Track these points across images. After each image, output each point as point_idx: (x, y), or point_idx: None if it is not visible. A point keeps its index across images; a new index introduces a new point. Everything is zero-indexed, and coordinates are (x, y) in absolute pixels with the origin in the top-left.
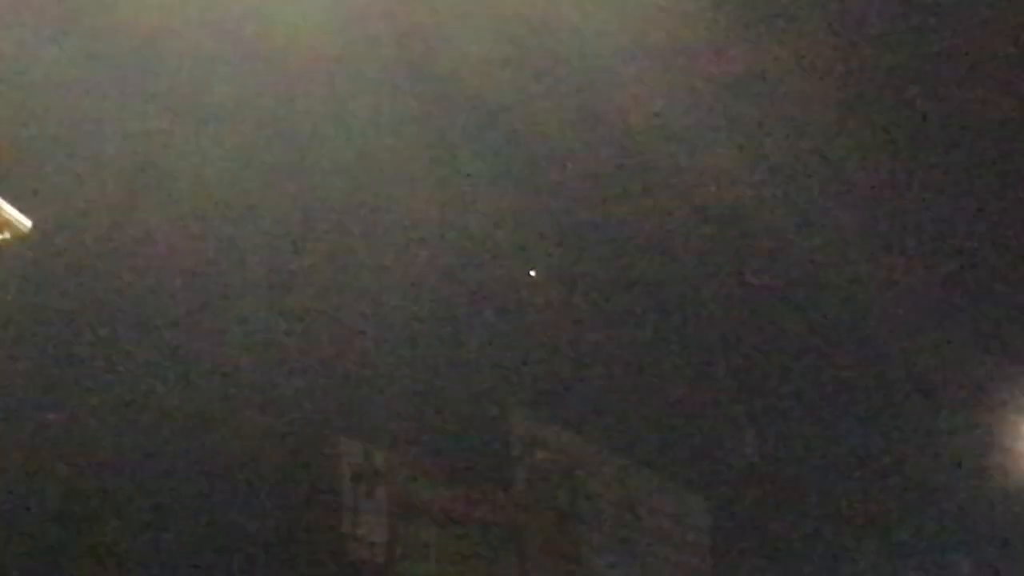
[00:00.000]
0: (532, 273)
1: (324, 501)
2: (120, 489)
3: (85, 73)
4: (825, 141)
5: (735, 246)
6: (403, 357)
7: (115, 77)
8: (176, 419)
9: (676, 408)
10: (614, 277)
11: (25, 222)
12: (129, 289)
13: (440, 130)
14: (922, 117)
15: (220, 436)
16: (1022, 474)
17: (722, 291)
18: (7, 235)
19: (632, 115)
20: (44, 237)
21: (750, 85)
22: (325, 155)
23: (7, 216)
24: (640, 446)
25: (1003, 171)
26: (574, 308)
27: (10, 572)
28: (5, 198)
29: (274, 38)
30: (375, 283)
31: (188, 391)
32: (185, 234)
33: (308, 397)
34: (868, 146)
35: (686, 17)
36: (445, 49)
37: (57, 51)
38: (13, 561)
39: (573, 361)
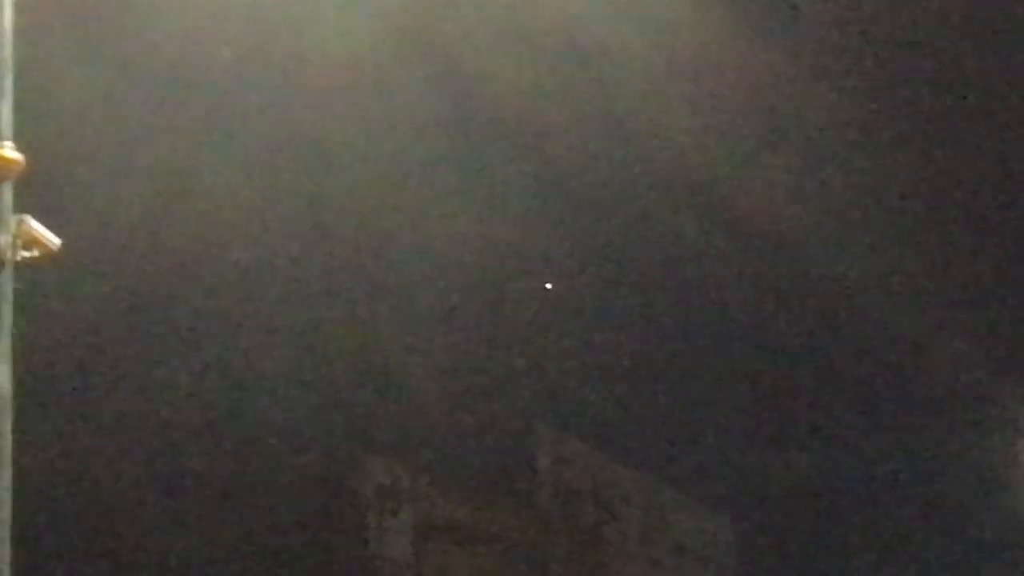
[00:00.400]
0: (548, 286)
1: (348, 519)
2: (144, 506)
3: (115, 90)
4: (867, 166)
5: (769, 269)
6: (428, 375)
7: (145, 94)
8: (202, 436)
9: (702, 427)
10: (643, 295)
11: (54, 240)
12: (157, 307)
13: (468, 144)
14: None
15: (245, 453)
16: None
17: (752, 312)
18: (36, 253)
19: (663, 130)
20: (73, 255)
21: (790, 107)
22: (353, 173)
23: (36, 234)
24: (666, 465)
25: None
26: (601, 325)
27: None
28: (34, 216)
29: (304, 55)
30: (400, 300)
31: (214, 408)
32: (213, 251)
33: (333, 415)
34: (910, 175)
35: (719, 34)
36: (473, 64)
37: (86, 68)
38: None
39: (599, 379)
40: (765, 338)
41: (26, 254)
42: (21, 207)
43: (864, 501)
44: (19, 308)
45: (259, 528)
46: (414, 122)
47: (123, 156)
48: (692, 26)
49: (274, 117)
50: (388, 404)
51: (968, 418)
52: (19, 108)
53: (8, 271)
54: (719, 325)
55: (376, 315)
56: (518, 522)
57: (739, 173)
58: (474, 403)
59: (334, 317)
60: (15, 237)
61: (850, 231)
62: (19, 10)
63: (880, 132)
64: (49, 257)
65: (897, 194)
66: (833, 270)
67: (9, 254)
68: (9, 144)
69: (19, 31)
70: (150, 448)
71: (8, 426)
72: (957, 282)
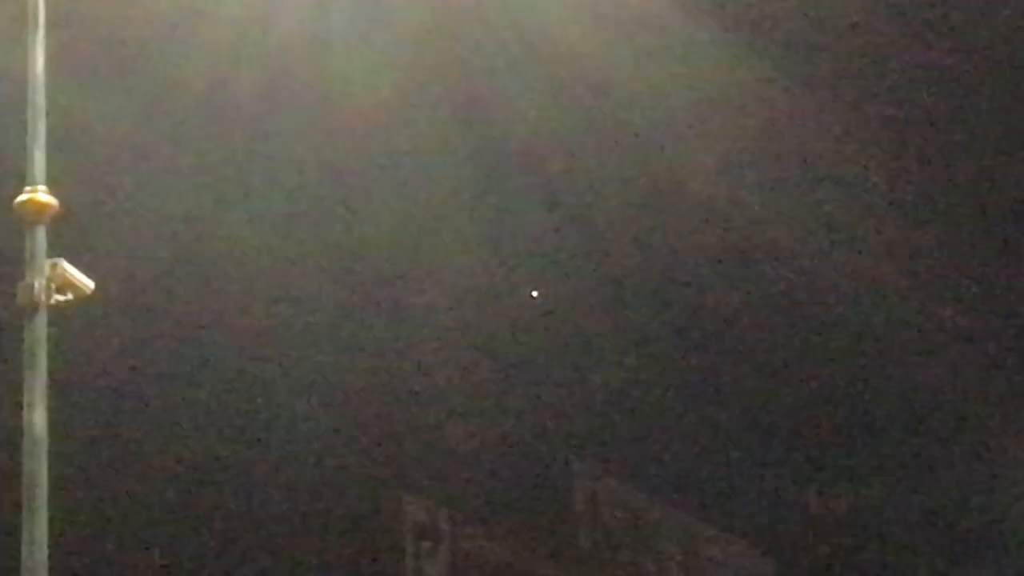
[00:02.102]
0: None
1: (386, 557)
2: (179, 544)
3: (147, 133)
4: (887, 195)
5: (807, 308)
6: (464, 413)
7: (177, 137)
8: (238, 475)
9: (741, 463)
10: (680, 334)
11: (88, 283)
12: (192, 348)
13: (494, 180)
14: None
15: (282, 492)
16: None
17: (785, 346)
18: (70, 296)
19: (691, 175)
20: (107, 298)
21: (815, 145)
22: (382, 210)
23: (70, 277)
24: (704, 502)
25: None
26: (637, 364)
27: None
28: (68, 259)
29: (331, 95)
30: (437, 339)
31: (251, 447)
32: (247, 292)
33: (370, 453)
34: (943, 205)
35: (752, 74)
36: (502, 110)
37: (119, 112)
38: None
39: (636, 417)
40: (803, 375)
41: (60, 297)
42: (55, 250)
43: (904, 536)
44: (53, 351)
45: (297, 566)
46: (438, 158)
47: (156, 199)
48: (717, 62)
49: (303, 155)
50: (426, 443)
51: (1013, 454)
52: (52, 152)
53: (42, 314)
54: (757, 363)
55: (412, 353)
56: (555, 560)
57: (772, 216)
58: (511, 441)
59: (369, 356)
60: (49, 280)
61: (885, 270)
62: (51, 55)
63: (895, 145)
64: (83, 300)
65: (931, 219)
66: (875, 310)
67: (43, 297)
68: (43, 188)
69: (51, 76)
70: (185, 488)
71: (43, 468)
72: (1002, 316)
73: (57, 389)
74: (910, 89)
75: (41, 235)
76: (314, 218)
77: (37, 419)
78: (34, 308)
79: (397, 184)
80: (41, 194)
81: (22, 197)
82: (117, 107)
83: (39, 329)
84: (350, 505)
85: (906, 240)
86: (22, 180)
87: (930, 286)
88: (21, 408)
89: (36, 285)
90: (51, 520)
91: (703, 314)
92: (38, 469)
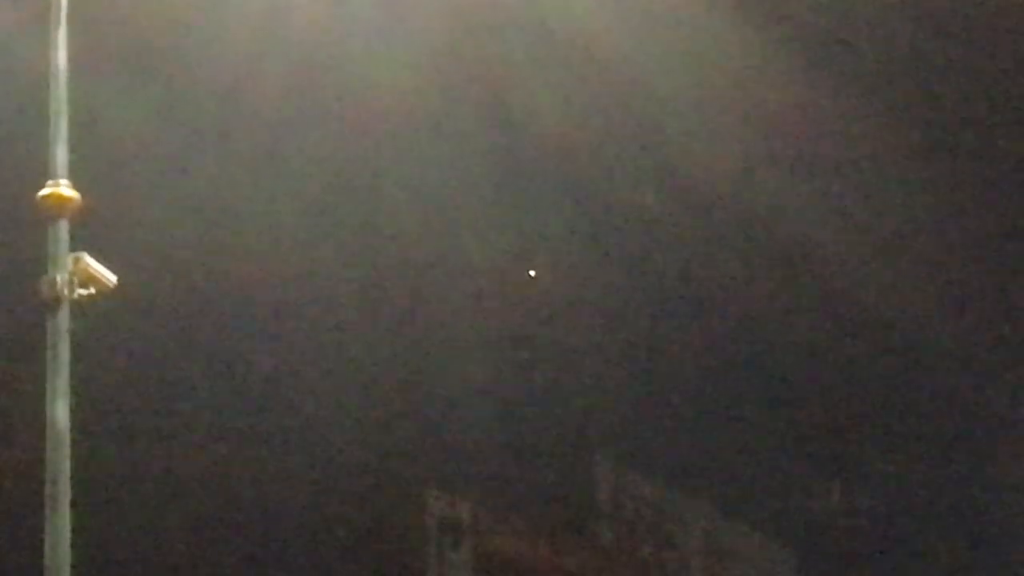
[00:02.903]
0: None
1: (409, 552)
2: (200, 541)
3: (169, 127)
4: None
5: (820, 299)
6: (487, 408)
7: (199, 131)
8: (261, 470)
9: (763, 458)
10: (699, 328)
11: (111, 277)
12: (213, 343)
13: (516, 177)
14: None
15: (304, 487)
16: None
17: (810, 342)
18: (93, 290)
19: (717, 171)
20: (130, 292)
21: (839, 139)
22: (404, 209)
23: (93, 271)
24: (726, 496)
25: None
26: (660, 359)
27: None
28: (91, 253)
29: (352, 91)
30: (457, 336)
31: (273, 443)
32: (269, 288)
33: (394, 448)
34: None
35: (782, 73)
36: (525, 106)
37: (141, 106)
38: None
39: (658, 411)
40: (827, 370)
41: (83, 291)
42: (77, 245)
43: (926, 531)
44: (76, 345)
45: (321, 561)
46: (461, 155)
47: (178, 193)
48: (745, 61)
49: (324, 151)
50: (448, 437)
51: None
52: (74, 147)
53: (65, 308)
54: (780, 358)
55: (435, 348)
56: (578, 554)
57: (800, 214)
58: (534, 436)
59: (392, 351)
60: (72, 275)
61: (913, 269)
62: (73, 50)
63: (914, 147)
64: (106, 294)
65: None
66: (902, 307)
67: (66, 292)
68: (65, 182)
69: (73, 71)
70: (207, 484)
71: (66, 462)
72: None
73: (79, 383)
74: (946, 90)
75: (64, 229)
76: (336, 213)
77: (59, 413)
78: (57, 302)
79: (420, 180)
80: (63, 188)
81: (44, 191)
82: (139, 102)
83: (62, 323)
84: (374, 500)
85: (938, 239)
86: (44, 175)
87: (959, 285)
88: (44, 402)
89: (59, 279)
90: (73, 513)
91: (728, 309)
92: (60, 463)
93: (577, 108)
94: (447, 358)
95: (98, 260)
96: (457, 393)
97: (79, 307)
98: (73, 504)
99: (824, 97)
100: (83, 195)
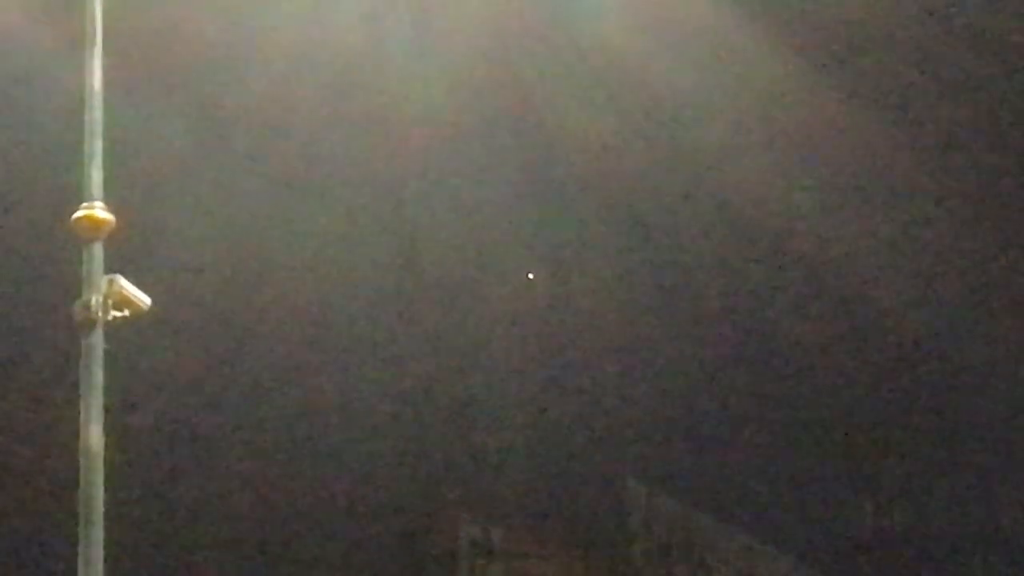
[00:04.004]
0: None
1: (441, 575)
2: (233, 563)
3: (204, 149)
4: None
5: (853, 319)
6: (519, 430)
7: (234, 153)
8: (293, 492)
9: (795, 481)
10: (732, 349)
11: (145, 299)
12: (247, 365)
13: (551, 202)
14: None
15: (336, 509)
16: None
17: (842, 360)
18: (127, 312)
19: (750, 187)
20: (164, 314)
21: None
22: (437, 226)
23: (127, 293)
24: (758, 518)
25: None
26: (692, 380)
27: None
28: (125, 275)
29: (387, 108)
30: (489, 357)
31: (304, 464)
32: (303, 309)
33: (425, 470)
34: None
35: (808, 87)
36: (560, 122)
37: (174, 126)
38: None
39: (690, 434)
40: (859, 389)
41: (117, 314)
42: (112, 267)
43: (962, 553)
44: (110, 367)
45: None
46: (493, 171)
47: (213, 214)
48: (771, 74)
49: (357, 171)
50: (480, 460)
51: None
52: (109, 168)
53: (99, 330)
54: (812, 378)
55: (467, 369)
56: None
57: (829, 228)
58: (565, 458)
59: (424, 372)
60: (106, 297)
61: (945, 281)
62: (107, 72)
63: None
64: (139, 316)
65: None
66: (935, 322)
67: (100, 314)
68: (99, 204)
69: (107, 92)
70: (239, 504)
71: (99, 483)
72: None
73: (113, 404)
74: (963, 98)
75: (98, 251)
76: (370, 233)
77: (93, 434)
78: (91, 324)
79: (453, 197)
80: (98, 210)
81: (79, 213)
82: (173, 124)
83: (96, 345)
84: (405, 522)
85: (968, 249)
86: (79, 197)
87: (992, 297)
88: (78, 423)
89: (93, 301)
90: (107, 534)
91: (758, 329)
92: (94, 484)
93: (608, 124)
94: (479, 380)
95: (132, 282)
96: (489, 416)
97: (113, 329)
98: (107, 525)
99: (857, 113)
100: (117, 217)
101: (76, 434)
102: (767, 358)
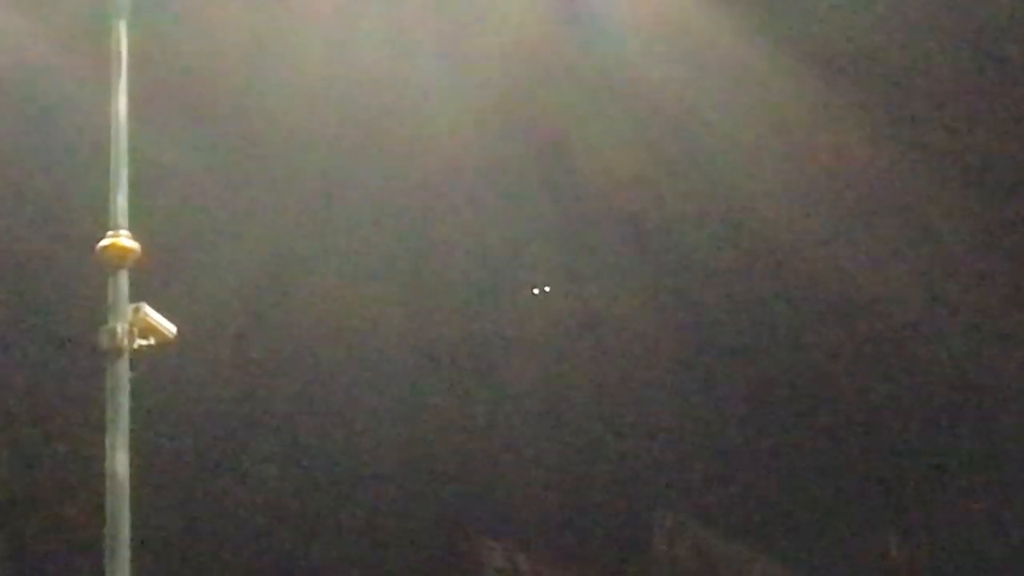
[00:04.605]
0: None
1: None
2: None
3: (230, 178)
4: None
5: (883, 346)
6: (546, 459)
7: (260, 182)
8: (318, 521)
9: (819, 509)
10: (759, 378)
11: (170, 328)
12: (273, 394)
13: (578, 231)
14: None
15: (363, 538)
16: None
17: (867, 389)
18: (152, 341)
19: (772, 215)
20: (189, 343)
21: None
22: (463, 256)
23: (153, 322)
24: (783, 548)
25: None
26: (718, 410)
27: None
28: (150, 304)
29: (413, 139)
30: (515, 384)
31: (330, 493)
32: (326, 335)
33: (451, 498)
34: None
35: (834, 116)
36: (588, 156)
37: (200, 154)
38: None
39: (716, 463)
40: (884, 417)
41: (143, 342)
42: (137, 295)
43: None
44: (136, 396)
45: None
46: (520, 204)
47: (239, 243)
48: (799, 103)
49: (383, 201)
50: (506, 487)
51: None
52: (135, 196)
53: (125, 359)
54: (836, 406)
55: (493, 399)
56: None
57: (859, 260)
58: (591, 486)
59: (450, 401)
60: (131, 325)
61: (972, 311)
62: (133, 99)
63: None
64: (165, 345)
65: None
66: (962, 351)
67: (126, 342)
68: (125, 232)
69: (132, 119)
70: (264, 533)
71: (126, 512)
72: None
73: (139, 433)
74: (982, 118)
75: (123, 279)
76: (395, 261)
77: (119, 463)
78: (116, 353)
79: (479, 226)
80: (123, 239)
81: (104, 241)
82: (199, 151)
83: (121, 374)
84: (431, 549)
85: (991, 278)
86: (105, 224)
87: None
88: (104, 451)
89: (118, 330)
90: (133, 564)
91: (785, 358)
92: (120, 513)
93: (636, 157)
94: (503, 408)
95: (158, 310)
96: (514, 443)
97: (139, 357)
98: (133, 552)
99: (887, 144)
100: (143, 245)
101: (102, 462)
102: (797, 385)
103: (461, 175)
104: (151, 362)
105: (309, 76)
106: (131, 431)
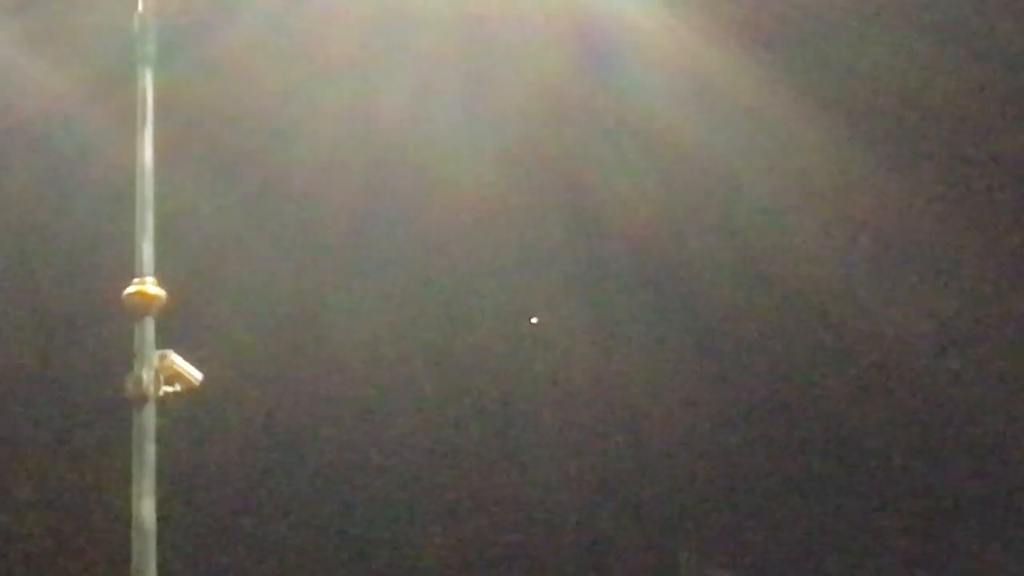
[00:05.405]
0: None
1: None
2: None
3: (254, 225)
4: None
5: (917, 387)
6: (570, 503)
7: (284, 229)
8: (345, 567)
9: (850, 551)
10: (787, 419)
11: (197, 375)
12: (300, 441)
13: (601, 277)
14: None
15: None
16: None
17: (900, 430)
18: (179, 387)
19: (797, 256)
20: (215, 390)
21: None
22: (485, 303)
23: (179, 369)
24: None
25: None
26: (744, 451)
27: None
28: (176, 351)
29: (436, 182)
30: (540, 427)
31: (360, 538)
32: (354, 385)
33: (473, 540)
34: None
35: (857, 160)
36: (605, 193)
37: (225, 201)
38: None
39: (742, 505)
40: (920, 458)
41: (169, 389)
42: (163, 342)
43: None
44: (162, 442)
45: None
46: (543, 240)
47: (265, 290)
48: (821, 144)
49: (407, 248)
50: (530, 531)
51: None
52: (160, 244)
53: (151, 406)
54: (867, 448)
55: (516, 440)
56: None
57: (883, 300)
58: (616, 531)
59: (474, 443)
60: (158, 372)
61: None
62: (158, 146)
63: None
64: (191, 391)
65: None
66: (1003, 389)
67: (152, 389)
68: (151, 280)
69: (157, 167)
70: None
71: (152, 560)
72: None
73: (165, 480)
74: (1006, 155)
75: (150, 327)
76: (420, 306)
77: (145, 509)
78: (142, 399)
79: (502, 268)
80: (149, 286)
81: (130, 289)
82: (224, 199)
83: (147, 420)
84: None
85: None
86: (130, 271)
87: None
88: (130, 498)
89: (144, 376)
90: None
91: (813, 400)
92: (146, 559)
93: (657, 199)
94: (526, 447)
95: (183, 357)
96: (537, 484)
97: (164, 404)
98: None
99: (909, 184)
100: (169, 292)
101: (128, 509)
102: (824, 430)
103: (484, 216)
104: (177, 409)
105: (333, 122)
106: (157, 478)
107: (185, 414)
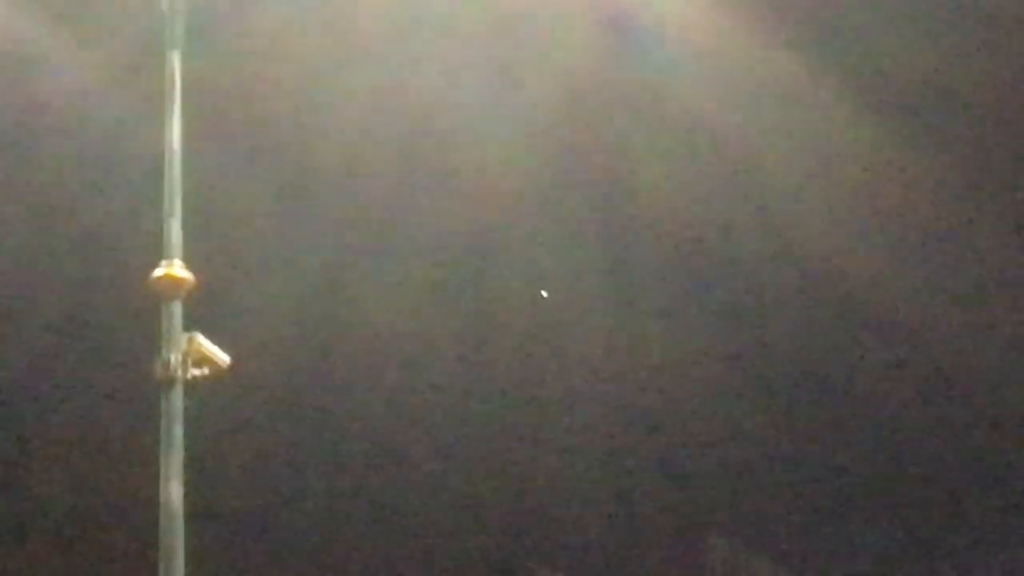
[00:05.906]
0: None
1: None
2: None
3: (282, 204)
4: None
5: (945, 379)
6: (598, 486)
7: (312, 207)
8: (373, 551)
9: (879, 539)
10: (817, 407)
11: (224, 357)
12: (327, 423)
13: (634, 267)
14: None
15: (416, 568)
16: None
17: (927, 418)
18: (206, 370)
19: (828, 250)
20: (242, 373)
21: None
22: (515, 289)
23: (206, 351)
24: (839, 575)
25: None
26: (774, 436)
27: None
28: (204, 333)
29: (466, 168)
30: (568, 413)
31: (384, 523)
32: (382, 368)
33: (504, 525)
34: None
35: (892, 151)
36: (642, 188)
37: (254, 183)
38: None
39: (772, 490)
40: (950, 450)
41: (196, 371)
42: (191, 325)
43: None
44: (190, 425)
45: None
46: (574, 232)
47: (293, 272)
48: (856, 139)
49: (437, 230)
50: (558, 515)
51: None
52: (188, 226)
53: (179, 388)
54: (896, 436)
55: (545, 429)
56: None
57: (915, 292)
58: (644, 514)
59: (503, 432)
60: (185, 355)
61: None
62: (186, 129)
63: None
64: (219, 374)
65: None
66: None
67: (180, 372)
68: (179, 262)
69: (186, 150)
70: (320, 564)
71: (180, 542)
72: None
73: (193, 463)
74: None
75: (177, 309)
76: (449, 293)
77: (173, 492)
78: (170, 382)
79: (531, 254)
80: (177, 269)
81: (158, 272)
82: (253, 180)
83: (175, 403)
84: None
85: None
86: (158, 254)
87: None
88: (158, 480)
89: (172, 359)
90: None
91: (844, 387)
92: (175, 542)
93: (691, 190)
94: (557, 436)
95: (211, 340)
96: (568, 472)
97: (192, 387)
98: None
99: (942, 175)
100: (196, 274)
101: (156, 491)
102: (853, 418)
103: (514, 201)
104: (205, 391)
105: (362, 104)
106: (185, 460)
107: (213, 397)
